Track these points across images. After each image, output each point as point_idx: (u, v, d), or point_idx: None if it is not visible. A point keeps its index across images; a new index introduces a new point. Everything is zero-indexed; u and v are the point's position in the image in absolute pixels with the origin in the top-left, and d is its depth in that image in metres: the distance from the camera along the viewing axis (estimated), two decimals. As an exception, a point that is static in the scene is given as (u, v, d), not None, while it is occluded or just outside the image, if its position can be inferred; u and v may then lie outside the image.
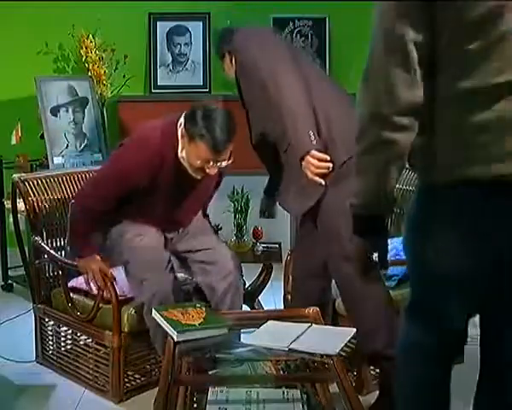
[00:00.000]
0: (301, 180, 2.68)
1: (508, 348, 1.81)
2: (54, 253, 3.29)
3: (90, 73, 4.86)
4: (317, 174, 2.61)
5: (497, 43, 1.52)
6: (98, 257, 2.96)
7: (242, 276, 3.71)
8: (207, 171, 2.71)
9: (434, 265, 1.71)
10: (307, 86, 2.65)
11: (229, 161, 2.75)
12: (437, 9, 1.53)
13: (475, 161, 1.57)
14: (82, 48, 4.89)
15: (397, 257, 3.16)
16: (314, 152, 2.59)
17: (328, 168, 2.61)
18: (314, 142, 2.59)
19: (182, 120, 2.73)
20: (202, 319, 2.49)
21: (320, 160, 2.60)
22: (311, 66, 2.97)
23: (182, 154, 2.73)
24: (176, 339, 2.36)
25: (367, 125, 1.61)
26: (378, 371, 2.93)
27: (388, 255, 3.10)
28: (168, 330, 2.42)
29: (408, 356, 1.93)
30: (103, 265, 2.94)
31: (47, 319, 3.37)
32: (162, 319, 2.49)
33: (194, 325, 2.44)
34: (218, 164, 2.70)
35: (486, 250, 1.64)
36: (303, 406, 2.11)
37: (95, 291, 3.02)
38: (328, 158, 2.60)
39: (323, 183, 2.62)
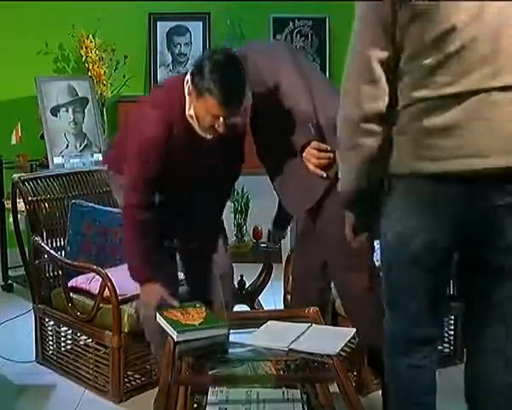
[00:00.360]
0: (301, 179, 2.67)
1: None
2: (54, 253, 3.30)
3: (90, 73, 4.87)
4: (318, 166, 2.61)
5: (448, 60, 1.76)
6: (160, 289, 2.67)
7: (242, 276, 3.72)
8: (217, 128, 2.54)
9: (399, 245, 1.92)
10: (307, 85, 2.65)
11: (243, 117, 2.62)
12: (399, 30, 1.79)
13: (423, 159, 1.82)
14: (82, 48, 4.90)
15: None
16: (314, 142, 2.59)
17: (330, 158, 2.59)
18: (313, 133, 2.60)
19: (188, 76, 2.57)
20: (202, 319, 2.48)
21: (321, 150, 2.60)
22: (310, 66, 2.98)
23: (190, 112, 2.58)
24: (176, 339, 2.36)
25: (343, 129, 1.92)
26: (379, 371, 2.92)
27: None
28: (168, 330, 2.42)
29: (390, 346, 2.06)
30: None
31: (47, 319, 3.38)
32: (162, 319, 2.49)
33: (194, 325, 2.44)
34: (228, 121, 2.54)
35: (438, 230, 1.86)
36: (303, 406, 2.11)
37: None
38: (329, 148, 2.58)
39: (325, 175, 2.61)
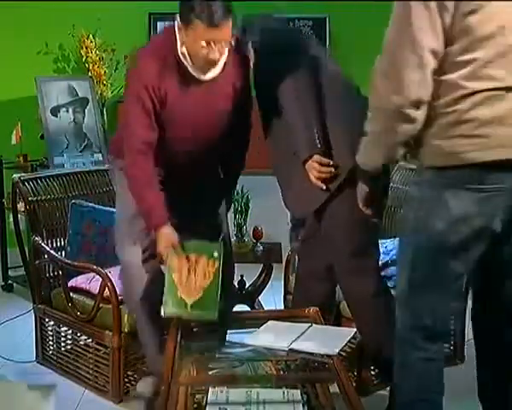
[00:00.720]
0: (304, 183, 2.64)
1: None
2: (54, 253, 3.30)
3: (90, 74, 4.87)
4: (319, 178, 2.60)
5: (502, 55, 1.84)
6: (173, 235, 2.61)
7: (242, 276, 3.72)
8: (210, 56, 2.50)
9: (447, 233, 1.94)
10: (320, 88, 2.61)
11: (230, 41, 2.57)
12: (451, 23, 1.83)
13: (477, 149, 1.87)
14: (82, 48, 4.90)
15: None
16: (316, 156, 2.57)
17: (331, 172, 2.59)
18: (318, 145, 2.57)
19: (178, 15, 2.57)
20: (201, 293, 2.50)
21: (323, 164, 2.58)
22: (329, 66, 2.77)
23: (182, 49, 2.55)
24: (163, 315, 2.49)
25: (379, 113, 1.94)
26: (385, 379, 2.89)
27: (390, 255, 3.12)
28: (164, 292, 2.50)
29: (403, 338, 2.08)
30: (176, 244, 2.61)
31: (47, 319, 3.38)
32: (167, 274, 2.52)
33: (186, 305, 2.49)
34: (219, 45, 2.50)
35: (484, 218, 1.92)
36: (303, 406, 2.11)
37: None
38: (331, 163, 2.58)
39: (324, 187, 2.60)
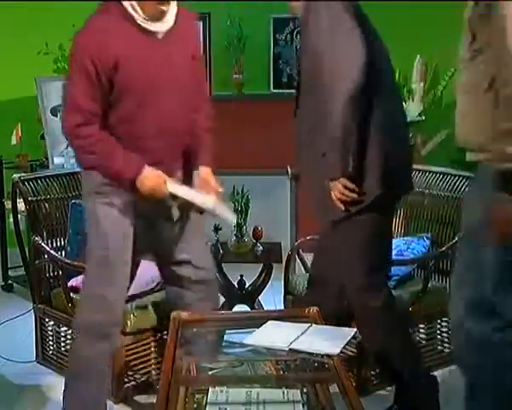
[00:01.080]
0: (326, 189, 2.60)
1: None
2: (54, 253, 3.30)
3: (90, 74, 4.87)
4: (339, 199, 2.57)
5: None
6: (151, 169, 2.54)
7: (242, 276, 3.72)
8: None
9: None
10: (366, 94, 2.49)
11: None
12: None
13: None
14: (82, 48, 4.89)
15: (399, 257, 3.17)
16: (343, 179, 2.54)
17: (353, 198, 2.56)
18: (349, 169, 2.52)
19: None
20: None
21: (348, 188, 2.55)
22: (383, 70, 2.63)
23: (130, 1, 2.45)
24: (212, 207, 2.63)
25: None
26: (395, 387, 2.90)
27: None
28: (196, 197, 2.60)
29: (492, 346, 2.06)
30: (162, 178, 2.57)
31: (47, 319, 3.38)
32: (182, 190, 2.58)
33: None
34: None
35: None
36: (303, 406, 2.10)
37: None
38: (357, 189, 2.55)
39: (343, 208, 2.58)
